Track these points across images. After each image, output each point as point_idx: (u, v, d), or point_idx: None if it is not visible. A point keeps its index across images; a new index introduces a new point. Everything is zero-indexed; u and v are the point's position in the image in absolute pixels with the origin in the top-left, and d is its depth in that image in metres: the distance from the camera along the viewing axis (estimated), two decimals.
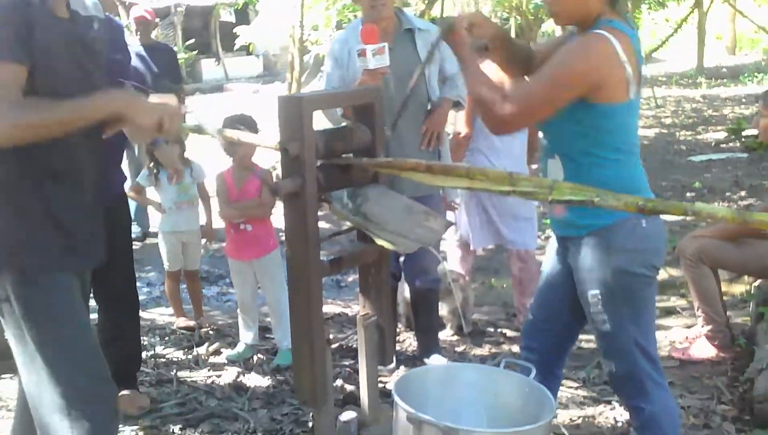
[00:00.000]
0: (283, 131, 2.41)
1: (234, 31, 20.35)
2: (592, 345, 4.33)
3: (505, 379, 2.53)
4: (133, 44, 6.60)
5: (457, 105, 4.08)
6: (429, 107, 3.99)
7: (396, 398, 2.29)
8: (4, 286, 2.16)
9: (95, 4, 2.49)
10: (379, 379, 2.97)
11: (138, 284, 6.01)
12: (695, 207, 1.82)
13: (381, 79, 3.51)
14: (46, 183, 2.17)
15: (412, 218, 2.50)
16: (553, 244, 2.80)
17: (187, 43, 22.92)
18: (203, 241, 5.10)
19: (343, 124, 3.28)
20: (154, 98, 2.34)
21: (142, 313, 5.29)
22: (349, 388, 3.81)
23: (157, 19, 8.76)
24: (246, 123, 4.24)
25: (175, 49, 11.08)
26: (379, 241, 2.36)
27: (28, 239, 2.15)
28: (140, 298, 5.75)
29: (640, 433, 2.70)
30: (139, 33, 6.75)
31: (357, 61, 3.57)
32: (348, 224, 2.69)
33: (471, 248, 4.78)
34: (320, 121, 2.86)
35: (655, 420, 2.62)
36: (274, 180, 4.59)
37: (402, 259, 4.11)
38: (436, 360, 4.13)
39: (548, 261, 2.82)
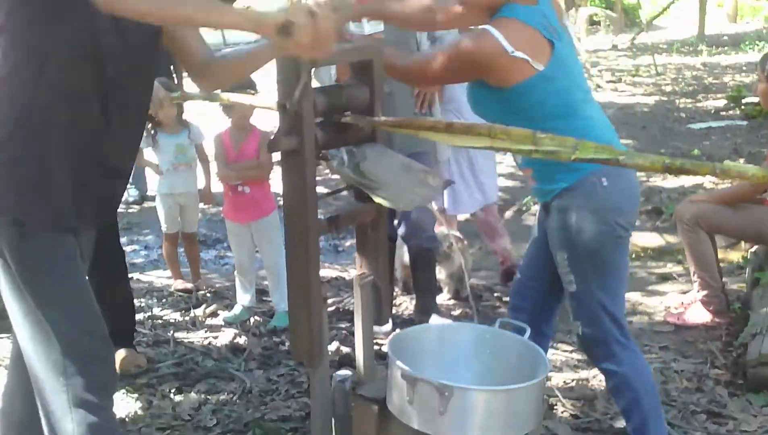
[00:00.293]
0: (282, 89, 2.39)
1: None
2: None
3: (500, 338, 2.53)
4: None
5: None
6: None
7: (391, 355, 2.29)
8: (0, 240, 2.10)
9: None
10: (375, 341, 2.99)
11: (136, 247, 6.11)
12: (723, 166, 1.79)
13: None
14: (52, 139, 2.07)
15: (410, 176, 2.49)
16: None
17: None
18: (201, 204, 5.09)
19: None
20: None
21: (140, 276, 5.36)
22: (345, 350, 3.84)
23: None
24: (246, 83, 4.22)
25: None
26: (378, 199, 2.36)
27: (25, 194, 2.08)
28: (138, 260, 5.84)
29: (614, 395, 2.79)
30: None
31: (351, 26, 3.55)
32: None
33: (450, 214, 4.79)
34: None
35: (626, 381, 2.70)
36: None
37: (397, 221, 4.11)
38: (435, 320, 4.15)
39: (537, 223, 2.91)
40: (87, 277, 2.29)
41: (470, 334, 2.56)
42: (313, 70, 2.39)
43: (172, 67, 5.96)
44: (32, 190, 2.08)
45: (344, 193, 3.02)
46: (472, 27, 2.78)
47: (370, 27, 3.49)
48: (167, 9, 1.92)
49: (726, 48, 19.92)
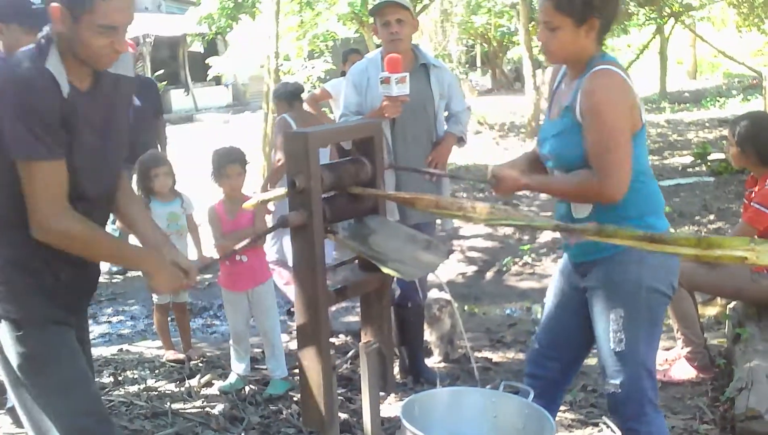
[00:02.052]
0: (290, 165, 2.50)
1: (206, 61, 20.38)
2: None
3: (506, 401, 2.63)
4: None
5: (459, 140, 4.31)
6: (435, 140, 4.22)
7: (404, 422, 2.37)
8: None
9: (125, 58, 2.41)
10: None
11: (122, 317, 6.13)
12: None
13: (401, 107, 3.79)
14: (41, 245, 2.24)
15: (414, 246, 2.60)
16: (559, 275, 2.95)
17: (156, 73, 22.91)
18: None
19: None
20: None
21: (129, 347, 5.37)
22: (342, 416, 3.88)
23: (138, 52, 8.82)
24: (236, 156, 4.34)
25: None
26: (386, 270, 2.46)
27: (17, 293, 2.22)
28: (125, 331, 5.86)
29: None
30: None
31: (379, 87, 3.81)
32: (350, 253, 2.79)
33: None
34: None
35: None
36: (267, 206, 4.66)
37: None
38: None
39: (555, 290, 2.95)
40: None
41: (477, 398, 2.65)
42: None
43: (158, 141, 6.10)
44: (22, 291, 2.22)
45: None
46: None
47: (398, 89, 3.71)
48: (89, 256, 2.33)
49: (688, 104, 20.44)
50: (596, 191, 2.57)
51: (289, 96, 5.69)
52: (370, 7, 18.20)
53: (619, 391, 2.70)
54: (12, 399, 2.27)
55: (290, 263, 4.82)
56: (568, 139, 2.68)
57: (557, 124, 2.75)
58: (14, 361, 2.20)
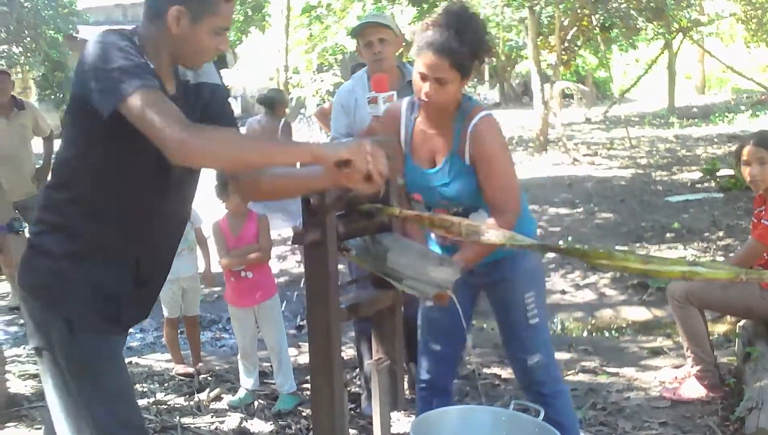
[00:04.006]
0: None
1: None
2: (587, 385, 4.46)
3: (516, 420, 2.63)
4: None
5: None
6: None
7: None
8: (48, 335, 2.21)
9: (208, 68, 2.40)
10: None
11: (131, 330, 6.11)
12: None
13: None
14: (106, 261, 2.24)
15: (427, 263, 2.60)
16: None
17: None
18: (202, 286, 5.16)
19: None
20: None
21: (138, 360, 5.39)
22: (352, 432, 3.88)
23: None
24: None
25: None
26: (400, 287, 2.47)
27: (78, 299, 2.21)
28: (134, 344, 5.87)
29: (560, 414, 3.02)
30: None
31: (367, 107, 3.78)
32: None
33: None
34: None
35: (567, 397, 3.19)
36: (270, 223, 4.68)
37: None
38: None
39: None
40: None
41: (487, 417, 2.65)
42: None
43: None
44: (84, 296, 2.22)
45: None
46: None
47: (385, 108, 3.71)
48: (240, 157, 2.09)
49: (696, 120, 20.43)
50: (504, 228, 2.76)
51: (266, 102, 7.10)
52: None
53: (538, 360, 3.07)
54: (50, 398, 2.26)
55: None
56: (464, 182, 2.93)
57: (445, 172, 2.95)
58: (64, 362, 2.20)
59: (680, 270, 2.04)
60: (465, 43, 2.76)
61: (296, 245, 6.07)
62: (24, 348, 5.40)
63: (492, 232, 2.32)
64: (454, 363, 3.39)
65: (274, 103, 7.06)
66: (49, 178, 2.34)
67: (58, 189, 2.25)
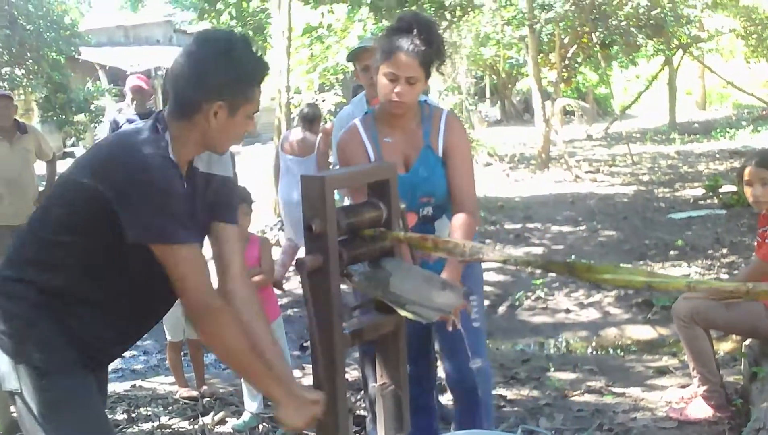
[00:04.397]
0: (307, 209, 2.51)
1: None
2: (593, 406, 4.44)
3: None
4: (128, 113, 6.75)
5: None
6: None
7: None
8: (18, 379, 2.19)
9: (220, 160, 2.43)
10: None
11: (135, 353, 6.13)
12: None
13: None
14: (85, 311, 2.24)
15: (430, 288, 2.59)
16: None
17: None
18: None
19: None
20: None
21: (142, 383, 5.37)
22: None
23: (153, 87, 8.92)
24: (242, 197, 4.36)
25: None
26: (403, 313, 2.46)
27: (48, 347, 2.19)
28: (138, 367, 5.86)
29: (488, 414, 3.34)
30: (134, 102, 6.87)
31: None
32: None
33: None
34: None
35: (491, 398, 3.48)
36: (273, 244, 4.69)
37: None
38: None
39: None
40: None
41: None
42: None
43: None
44: (54, 343, 2.20)
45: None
46: None
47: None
48: (233, 363, 2.39)
49: (697, 135, 20.47)
50: (474, 221, 3.06)
51: (307, 118, 7.41)
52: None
53: (481, 364, 3.20)
54: None
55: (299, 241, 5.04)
56: (439, 175, 3.09)
57: (422, 167, 3.09)
58: (36, 407, 2.18)
59: (685, 281, 2.04)
60: (430, 43, 2.92)
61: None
62: None
63: (495, 253, 2.32)
64: (427, 382, 3.50)
65: (314, 119, 7.41)
66: (39, 222, 2.29)
67: (46, 249, 2.23)
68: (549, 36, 18.61)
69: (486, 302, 6.98)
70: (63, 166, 2.84)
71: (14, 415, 4.45)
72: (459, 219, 3.03)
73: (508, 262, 2.45)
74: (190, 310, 2.16)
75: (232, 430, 4.33)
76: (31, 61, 19.57)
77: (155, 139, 2.13)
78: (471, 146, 3.21)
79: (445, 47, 3.09)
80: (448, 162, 3.09)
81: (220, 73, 2.13)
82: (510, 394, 4.77)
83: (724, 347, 5.50)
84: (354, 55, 4.10)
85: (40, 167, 6.94)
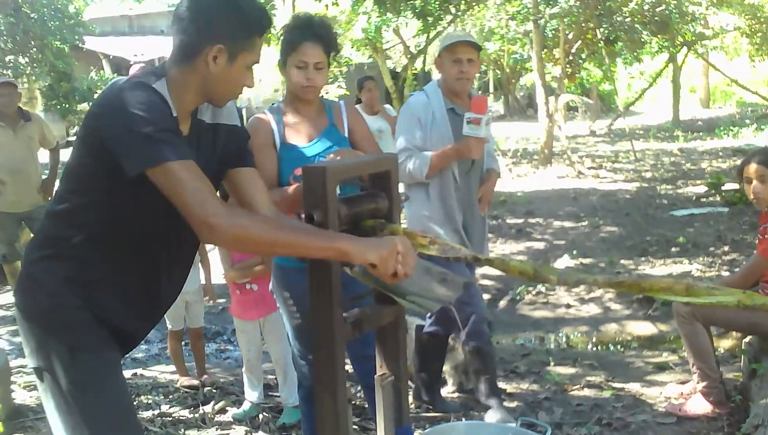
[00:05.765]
0: (307, 199, 2.52)
1: None
2: (592, 401, 4.45)
3: None
4: None
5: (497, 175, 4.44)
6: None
7: None
8: (48, 358, 2.20)
9: (229, 107, 2.41)
10: None
11: None
12: None
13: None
14: (106, 289, 2.24)
15: (430, 279, 2.60)
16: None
17: None
18: (205, 298, 5.17)
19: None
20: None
21: (143, 371, 5.39)
22: None
23: None
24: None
25: None
26: (403, 303, 2.47)
27: (78, 324, 2.21)
28: (139, 355, 5.87)
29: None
30: None
31: (465, 127, 3.86)
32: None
33: None
34: None
35: None
36: None
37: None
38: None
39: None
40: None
41: (494, 432, 2.64)
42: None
43: None
44: (83, 320, 2.21)
45: None
46: None
47: (485, 130, 3.86)
48: (268, 248, 2.29)
49: (701, 133, 20.44)
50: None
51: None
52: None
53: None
54: (51, 419, 2.25)
55: None
56: (343, 146, 3.28)
57: (326, 141, 3.28)
58: (66, 384, 2.19)
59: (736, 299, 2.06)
60: (330, 34, 3.25)
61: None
62: None
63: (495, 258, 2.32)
64: None
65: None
66: (52, 203, 2.31)
67: (63, 219, 2.24)
68: (553, 31, 18.59)
69: (487, 296, 7.04)
70: (66, 154, 2.84)
71: (16, 401, 4.49)
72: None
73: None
74: (201, 231, 2.05)
75: (232, 419, 4.35)
76: (35, 49, 19.60)
77: (138, 83, 2.12)
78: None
79: (338, 41, 3.41)
80: (353, 138, 3.35)
81: (223, 16, 2.14)
82: (510, 387, 4.78)
83: (723, 344, 5.51)
84: (449, 45, 4.05)
85: (43, 155, 6.94)
